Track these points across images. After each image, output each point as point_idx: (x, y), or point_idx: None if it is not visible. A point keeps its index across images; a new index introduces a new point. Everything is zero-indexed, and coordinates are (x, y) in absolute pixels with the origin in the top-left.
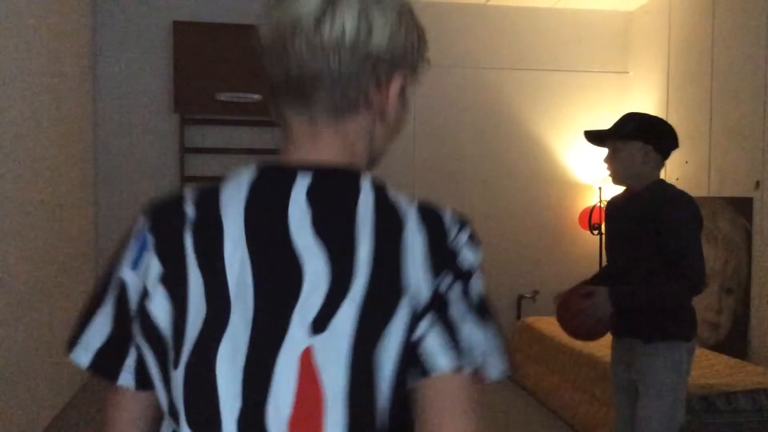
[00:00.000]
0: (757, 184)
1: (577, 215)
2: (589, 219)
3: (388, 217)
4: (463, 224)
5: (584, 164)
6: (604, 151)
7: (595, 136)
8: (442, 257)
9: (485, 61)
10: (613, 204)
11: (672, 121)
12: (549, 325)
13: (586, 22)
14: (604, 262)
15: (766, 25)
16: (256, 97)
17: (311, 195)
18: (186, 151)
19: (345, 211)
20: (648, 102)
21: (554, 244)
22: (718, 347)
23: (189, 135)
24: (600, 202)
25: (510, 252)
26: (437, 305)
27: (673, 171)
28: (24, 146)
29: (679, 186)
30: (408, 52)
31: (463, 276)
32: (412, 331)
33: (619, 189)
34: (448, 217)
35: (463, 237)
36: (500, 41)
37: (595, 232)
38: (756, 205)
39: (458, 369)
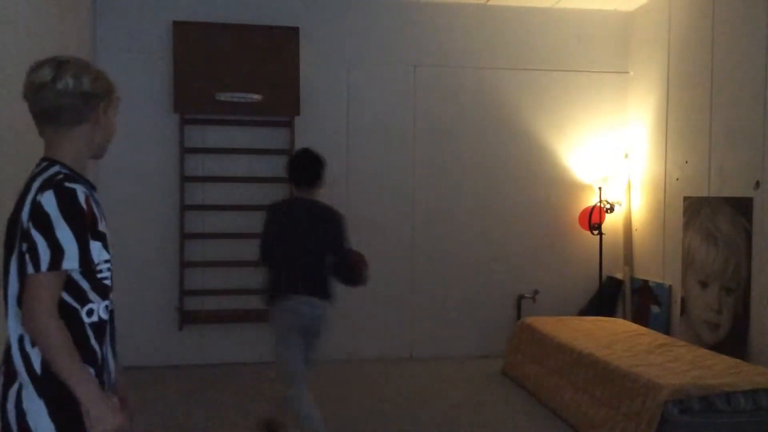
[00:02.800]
0: (757, 184)
1: (577, 215)
2: (589, 219)
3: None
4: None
5: (584, 164)
6: (604, 153)
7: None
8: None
9: (485, 61)
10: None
11: (672, 121)
12: (549, 325)
13: (586, 22)
14: (604, 262)
15: (766, 25)
16: (256, 97)
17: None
18: (186, 151)
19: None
20: (648, 102)
21: (554, 244)
22: (718, 347)
23: (189, 135)
24: (600, 202)
25: (510, 252)
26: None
27: (673, 171)
28: (24, 147)
29: (679, 186)
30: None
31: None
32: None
33: None
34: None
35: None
36: (500, 41)
37: (595, 232)
38: (756, 205)
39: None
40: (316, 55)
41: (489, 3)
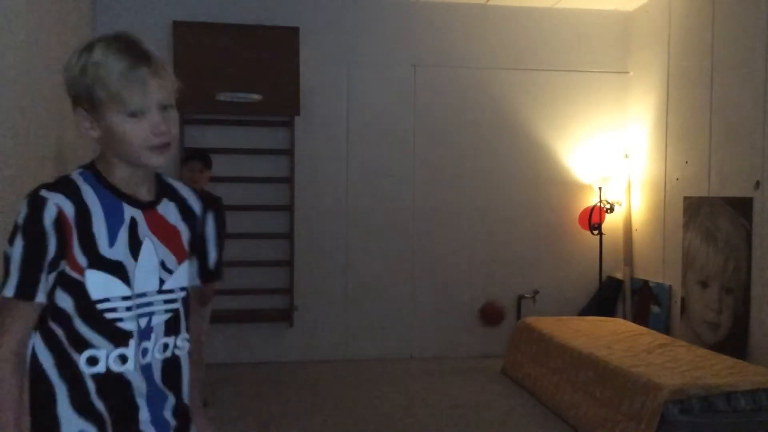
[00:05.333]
0: (757, 184)
1: (577, 215)
2: (589, 219)
3: None
4: None
5: (584, 164)
6: (604, 153)
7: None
8: None
9: (485, 61)
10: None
11: (672, 121)
12: (549, 325)
13: (586, 22)
14: (604, 262)
15: (766, 25)
16: (256, 97)
17: None
18: (186, 151)
19: None
20: (648, 102)
21: (554, 244)
22: (718, 347)
23: (189, 135)
24: (600, 202)
25: (510, 252)
26: None
27: (673, 171)
28: (24, 147)
29: (679, 186)
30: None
31: None
32: None
33: None
34: None
35: None
36: (500, 41)
37: (595, 232)
38: (756, 205)
39: None
40: (316, 55)
41: (489, 3)
